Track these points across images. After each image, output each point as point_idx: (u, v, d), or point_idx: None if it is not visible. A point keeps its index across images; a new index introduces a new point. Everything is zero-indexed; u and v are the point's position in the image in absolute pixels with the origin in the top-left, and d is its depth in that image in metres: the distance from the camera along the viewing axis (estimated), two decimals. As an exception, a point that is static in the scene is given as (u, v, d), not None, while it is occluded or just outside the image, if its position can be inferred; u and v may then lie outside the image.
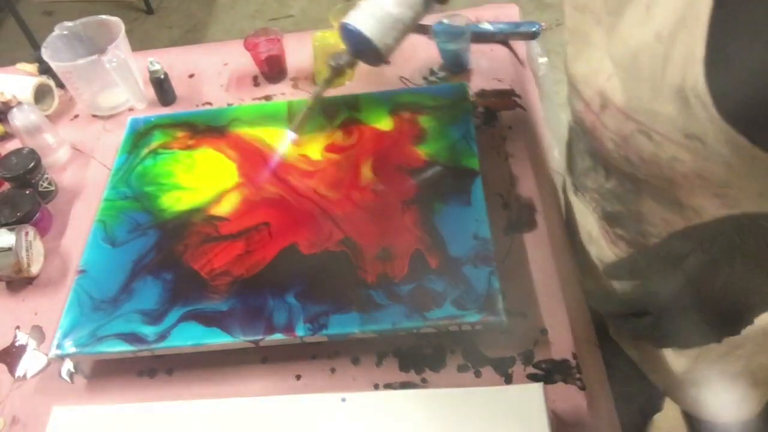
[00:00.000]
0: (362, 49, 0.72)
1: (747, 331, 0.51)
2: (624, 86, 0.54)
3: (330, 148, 0.89)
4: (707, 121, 0.47)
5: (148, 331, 0.72)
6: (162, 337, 0.71)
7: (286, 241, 0.79)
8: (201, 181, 0.88)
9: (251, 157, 0.90)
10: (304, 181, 0.86)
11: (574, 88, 0.63)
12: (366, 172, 0.85)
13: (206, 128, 0.95)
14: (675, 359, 0.76)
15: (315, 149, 0.90)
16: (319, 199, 0.83)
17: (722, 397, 0.77)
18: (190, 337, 0.71)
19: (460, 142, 0.86)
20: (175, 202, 0.86)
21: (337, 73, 0.76)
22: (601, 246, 0.76)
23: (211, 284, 0.76)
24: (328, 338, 0.70)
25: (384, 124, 0.91)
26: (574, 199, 0.81)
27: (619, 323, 0.52)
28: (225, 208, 0.84)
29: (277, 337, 0.70)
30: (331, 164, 0.87)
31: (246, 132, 0.94)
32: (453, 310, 0.69)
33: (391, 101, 0.94)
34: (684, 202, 0.59)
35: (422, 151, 0.86)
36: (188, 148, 0.93)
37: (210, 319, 0.72)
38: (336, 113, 0.94)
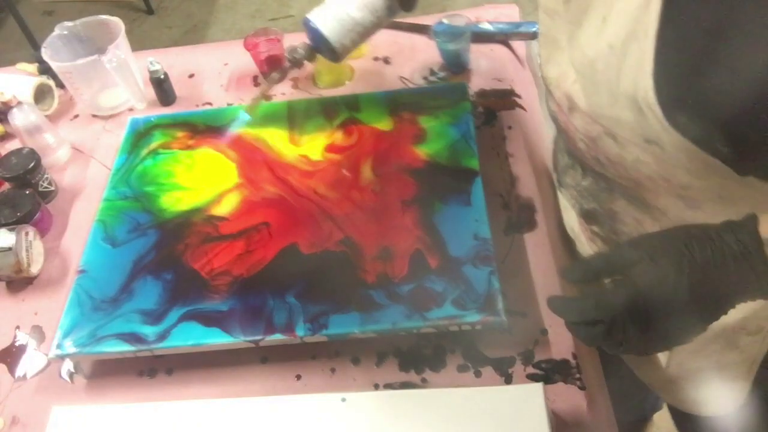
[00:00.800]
0: (320, 46, 0.75)
1: (714, 329, 0.53)
2: (585, 92, 0.56)
3: (330, 149, 0.89)
4: (660, 129, 0.49)
5: (148, 331, 0.72)
6: (162, 337, 0.71)
7: (286, 241, 0.79)
8: (201, 181, 0.88)
9: (251, 158, 0.90)
10: (303, 181, 0.86)
11: (548, 90, 0.65)
12: (366, 172, 0.85)
13: (206, 128, 0.95)
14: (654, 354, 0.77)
15: (315, 149, 0.90)
16: (319, 200, 0.83)
17: (702, 391, 0.78)
18: (190, 337, 0.71)
19: (460, 142, 0.86)
20: (176, 202, 0.86)
21: (294, 64, 0.78)
22: (582, 242, 0.77)
23: (211, 284, 0.76)
24: (328, 338, 0.70)
25: (384, 124, 0.91)
26: (559, 196, 0.82)
27: (574, 330, 0.53)
28: (225, 208, 0.84)
29: (277, 337, 0.70)
30: (331, 164, 0.87)
31: (246, 132, 0.94)
32: (453, 310, 0.69)
33: (391, 101, 0.94)
34: (650, 203, 0.61)
35: (422, 151, 0.86)
36: (188, 148, 0.93)
37: (210, 319, 0.72)
38: (336, 113, 0.94)
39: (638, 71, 0.47)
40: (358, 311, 0.71)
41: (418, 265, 0.74)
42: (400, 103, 0.93)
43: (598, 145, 0.59)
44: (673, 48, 0.45)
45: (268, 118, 0.95)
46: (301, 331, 0.70)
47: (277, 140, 0.92)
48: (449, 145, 0.86)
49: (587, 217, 0.73)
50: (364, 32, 0.74)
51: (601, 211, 0.69)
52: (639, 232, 0.65)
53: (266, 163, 0.89)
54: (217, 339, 0.71)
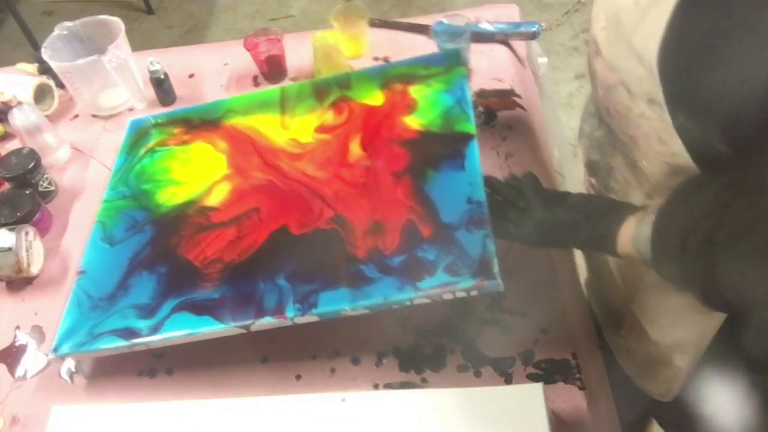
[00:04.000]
0: None
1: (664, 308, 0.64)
2: (608, 39, 0.58)
3: (320, 130, 0.88)
4: (659, 93, 0.51)
5: (142, 324, 0.72)
6: (155, 329, 0.71)
7: (277, 224, 0.78)
8: (193, 175, 0.88)
9: (242, 147, 0.89)
10: (292, 164, 0.85)
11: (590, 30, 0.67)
12: (355, 148, 0.84)
13: (200, 122, 0.95)
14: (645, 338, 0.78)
15: (305, 132, 0.89)
16: (308, 180, 0.82)
17: (641, 375, 0.81)
18: (182, 327, 0.70)
19: (454, 108, 0.84)
20: (171, 197, 0.86)
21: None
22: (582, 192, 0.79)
23: (204, 272, 0.75)
24: (319, 317, 0.68)
25: (375, 99, 0.89)
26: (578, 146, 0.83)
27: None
28: (215, 198, 0.84)
29: (267, 320, 0.69)
30: (320, 145, 0.86)
31: (239, 122, 0.93)
32: (446, 277, 0.67)
33: (382, 75, 0.92)
34: (638, 165, 0.62)
35: (414, 122, 0.84)
36: (183, 143, 0.93)
37: (201, 308, 0.71)
38: (327, 94, 0.93)
39: (651, 32, 0.49)
40: (348, 287, 0.69)
41: (410, 236, 0.72)
42: (391, 76, 0.91)
43: (611, 94, 0.60)
44: (687, 18, 0.46)
45: (261, 105, 0.94)
46: (291, 312, 0.68)
47: (269, 126, 0.91)
48: (443, 112, 0.84)
49: (589, 168, 0.75)
50: None
51: (602, 164, 0.71)
52: (625, 193, 0.67)
53: (257, 150, 0.88)
54: (208, 327, 0.70)
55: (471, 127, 0.81)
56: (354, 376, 0.71)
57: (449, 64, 0.90)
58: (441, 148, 0.80)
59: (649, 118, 0.55)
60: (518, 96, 0.98)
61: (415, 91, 0.88)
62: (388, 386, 0.70)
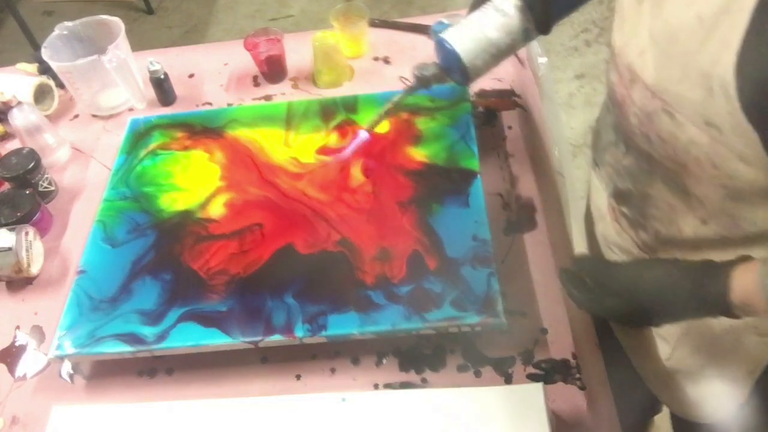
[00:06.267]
0: (451, 66, 0.71)
1: (723, 325, 0.61)
2: (656, 64, 0.55)
3: (321, 151, 0.89)
4: (726, 113, 0.49)
5: (147, 331, 0.72)
6: (161, 337, 0.71)
7: (282, 242, 0.79)
8: (194, 183, 0.88)
9: (239, 160, 0.90)
10: (292, 183, 0.85)
11: (612, 59, 0.64)
12: (356, 173, 0.85)
13: (203, 129, 0.95)
14: (659, 345, 0.77)
15: (306, 152, 0.89)
16: (310, 201, 0.83)
17: (698, 391, 0.78)
18: (189, 338, 0.71)
19: (459, 143, 0.86)
20: (172, 202, 0.86)
21: (422, 84, 0.75)
22: (606, 222, 0.78)
23: (210, 284, 0.76)
24: (327, 339, 0.70)
25: (380, 125, 0.90)
26: (592, 175, 0.82)
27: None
28: (213, 210, 0.84)
29: (277, 338, 0.70)
30: (320, 166, 0.87)
31: (242, 133, 0.93)
32: (452, 311, 0.69)
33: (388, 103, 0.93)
34: (690, 190, 0.61)
35: (419, 153, 0.86)
36: (185, 149, 0.93)
37: (209, 320, 0.72)
38: (333, 115, 0.94)
39: (723, 46, 0.47)
40: (357, 312, 0.71)
41: (417, 267, 0.74)
42: (398, 105, 0.93)
43: (652, 121, 0.58)
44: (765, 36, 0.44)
45: (267, 119, 0.95)
46: (300, 332, 0.70)
47: (272, 141, 0.91)
48: (447, 146, 0.86)
49: (619, 197, 0.73)
50: (497, 54, 0.71)
51: (635, 192, 0.69)
52: (670, 219, 0.65)
53: (255, 165, 0.88)
54: (216, 340, 0.71)
55: (475, 163, 0.83)
56: (354, 376, 0.71)
57: (455, 99, 0.92)
58: (445, 183, 0.82)
59: (700, 143, 0.53)
60: (518, 96, 0.98)
61: (421, 123, 0.90)
62: (388, 386, 0.70)
